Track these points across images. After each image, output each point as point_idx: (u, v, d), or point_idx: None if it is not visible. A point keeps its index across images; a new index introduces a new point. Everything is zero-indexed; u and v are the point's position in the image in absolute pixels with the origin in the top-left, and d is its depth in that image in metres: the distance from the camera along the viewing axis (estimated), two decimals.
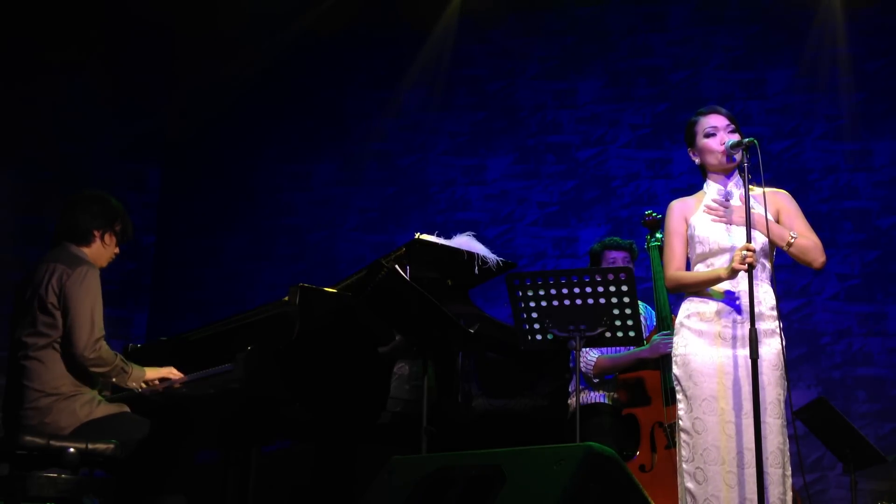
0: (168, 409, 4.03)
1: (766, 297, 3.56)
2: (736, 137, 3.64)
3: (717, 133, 3.67)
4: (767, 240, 3.57)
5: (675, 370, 3.59)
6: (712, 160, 3.69)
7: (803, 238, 3.59)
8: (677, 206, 3.75)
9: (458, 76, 7.53)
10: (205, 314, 6.54)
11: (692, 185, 3.81)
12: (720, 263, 3.60)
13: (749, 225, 3.45)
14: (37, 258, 4.09)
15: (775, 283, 3.64)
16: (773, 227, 3.57)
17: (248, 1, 7.32)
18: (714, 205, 3.56)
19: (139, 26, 7.38)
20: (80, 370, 3.87)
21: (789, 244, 3.57)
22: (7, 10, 6.90)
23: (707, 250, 3.63)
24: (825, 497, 6.24)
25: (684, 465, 3.48)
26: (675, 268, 3.68)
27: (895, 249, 6.58)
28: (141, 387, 3.99)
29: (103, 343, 3.89)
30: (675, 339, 3.64)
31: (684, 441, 3.50)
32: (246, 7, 7.31)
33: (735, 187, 3.71)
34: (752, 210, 3.47)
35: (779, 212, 3.67)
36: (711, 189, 3.73)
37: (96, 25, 7.22)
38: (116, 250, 4.18)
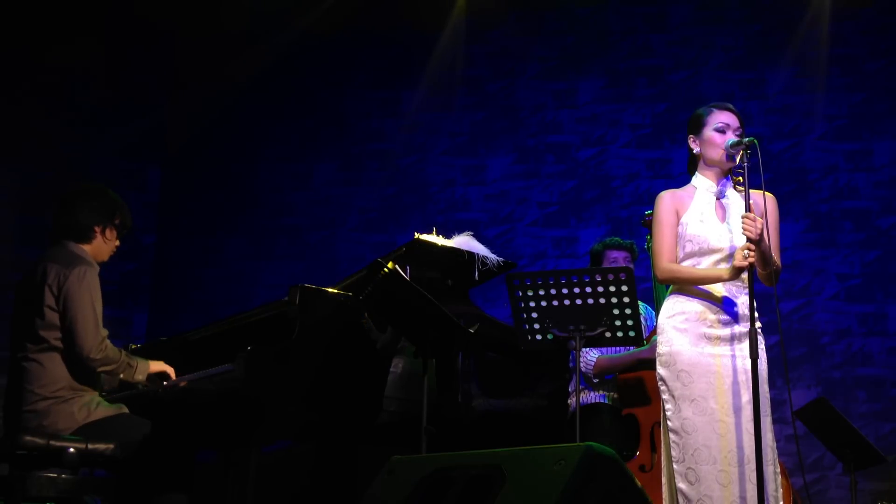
0: (168, 409, 4.03)
1: (745, 297, 3.55)
2: (735, 139, 3.63)
3: (726, 131, 3.65)
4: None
5: (660, 370, 3.57)
6: (713, 155, 3.67)
7: (778, 263, 3.59)
8: (668, 198, 3.72)
9: (458, 76, 7.53)
10: (205, 314, 6.53)
11: None
12: (706, 264, 3.60)
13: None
14: (37, 258, 4.07)
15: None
16: (774, 248, 3.56)
17: (248, 1, 7.32)
18: (750, 216, 3.43)
19: (139, 26, 7.38)
20: (82, 372, 3.86)
21: (776, 270, 3.55)
22: (7, 9, 6.90)
23: (697, 249, 3.61)
24: (825, 497, 6.24)
25: (675, 466, 3.47)
26: (667, 259, 3.66)
27: (895, 249, 6.58)
28: (146, 382, 3.98)
29: (108, 342, 3.89)
30: (659, 338, 3.63)
31: (673, 441, 3.49)
32: (246, 7, 7.31)
33: (726, 186, 3.70)
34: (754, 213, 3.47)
35: (763, 216, 3.64)
36: (701, 184, 3.71)
37: (97, 26, 7.22)
38: (117, 243, 4.13)
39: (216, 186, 7.65)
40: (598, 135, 7.21)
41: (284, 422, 3.87)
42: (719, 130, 3.65)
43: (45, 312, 3.83)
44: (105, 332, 3.90)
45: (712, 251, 3.60)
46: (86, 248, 4.01)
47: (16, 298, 4.00)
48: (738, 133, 3.65)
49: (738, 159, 3.61)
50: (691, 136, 3.74)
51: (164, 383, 4.01)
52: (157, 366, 4.02)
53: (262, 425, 3.78)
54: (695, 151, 3.74)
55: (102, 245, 4.06)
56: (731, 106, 3.73)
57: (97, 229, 4.04)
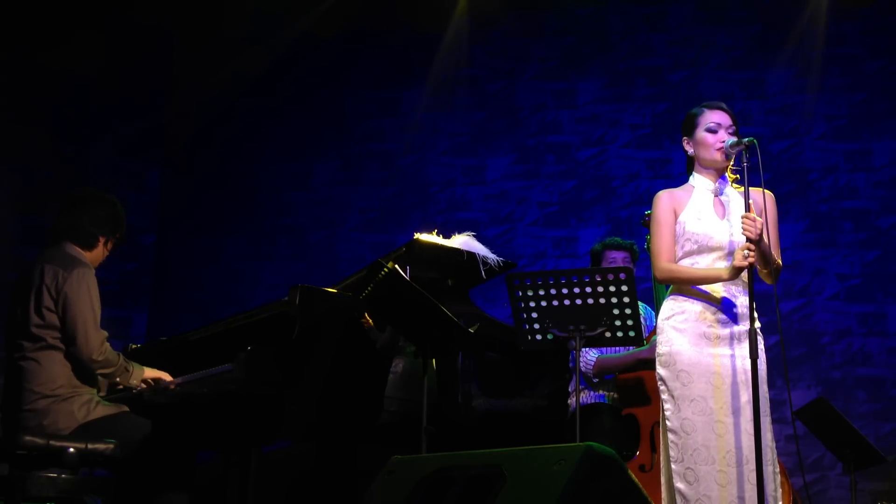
0: (168, 410, 4.03)
1: (745, 297, 3.56)
2: (735, 139, 3.64)
3: (718, 130, 3.65)
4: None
5: (660, 370, 3.57)
6: (706, 156, 3.67)
7: (779, 261, 3.59)
8: (665, 197, 3.72)
9: (458, 76, 7.53)
10: (205, 314, 6.53)
11: None
12: (705, 263, 3.60)
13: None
14: (35, 258, 4.07)
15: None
16: (773, 246, 3.56)
17: (248, 1, 7.32)
18: (750, 216, 3.43)
19: (139, 27, 7.37)
20: (81, 371, 3.86)
21: (776, 268, 3.55)
22: (8, 9, 6.90)
23: (696, 248, 3.61)
24: (825, 497, 6.24)
25: (673, 466, 3.47)
26: (666, 259, 3.66)
27: (895, 249, 6.58)
28: (141, 385, 3.99)
29: (107, 344, 3.90)
30: (659, 338, 3.62)
31: (672, 441, 3.48)
32: (246, 7, 7.31)
33: (724, 185, 3.70)
34: (752, 212, 3.47)
35: (762, 214, 3.63)
36: (699, 183, 3.71)
37: (97, 26, 7.22)
38: (108, 254, 4.19)
39: (216, 186, 7.65)
40: (598, 135, 7.21)
41: (284, 422, 3.88)
42: (711, 130, 3.65)
43: (44, 312, 3.84)
44: (105, 334, 3.91)
45: (711, 249, 3.60)
46: (85, 253, 4.03)
47: (11, 298, 4.01)
48: (730, 131, 3.65)
49: (732, 160, 3.61)
50: (685, 137, 3.74)
51: (157, 385, 4.01)
52: (152, 372, 4.03)
53: (261, 425, 3.79)
54: (689, 153, 3.74)
55: (100, 255, 4.11)
56: (722, 105, 3.72)
57: (101, 238, 4.07)
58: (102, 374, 3.90)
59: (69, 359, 3.85)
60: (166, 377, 4.03)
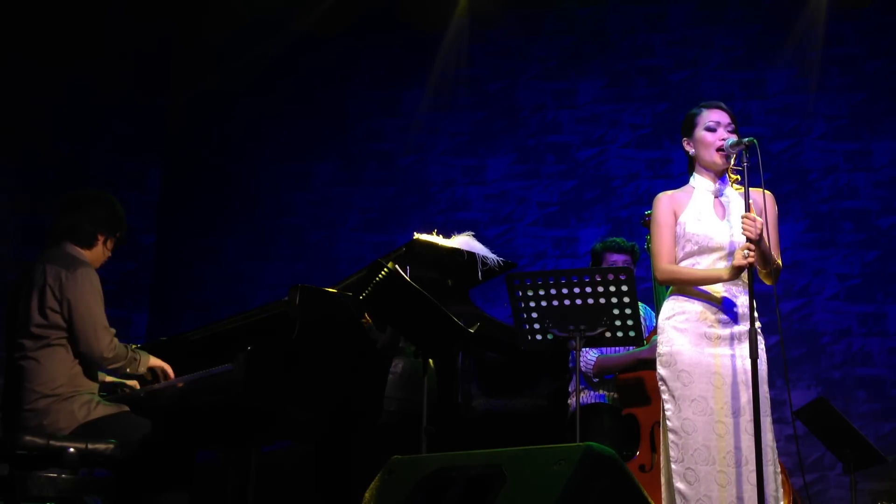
0: (168, 410, 4.03)
1: (745, 297, 3.56)
2: (735, 137, 3.64)
3: (717, 129, 3.65)
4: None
5: (661, 370, 3.57)
6: (706, 155, 3.67)
7: (779, 261, 3.59)
8: (665, 199, 3.73)
9: (458, 76, 7.53)
10: (205, 314, 6.54)
11: None
12: (706, 263, 3.60)
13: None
14: (35, 258, 4.07)
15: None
16: (773, 246, 3.57)
17: (248, 1, 7.32)
18: (750, 216, 3.43)
19: (139, 26, 7.37)
20: (85, 369, 3.87)
21: (776, 269, 3.56)
22: (8, 9, 6.90)
23: (696, 248, 3.62)
24: (825, 497, 6.24)
25: (673, 466, 3.47)
26: (667, 260, 3.67)
27: (895, 249, 6.58)
28: (147, 374, 4.01)
29: (116, 340, 3.91)
30: (660, 338, 3.63)
31: (672, 441, 3.48)
32: (247, 7, 7.31)
33: (724, 185, 3.70)
34: (752, 212, 3.47)
35: (762, 214, 3.63)
36: (699, 184, 3.71)
37: (96, 25, 7.22)
38: (109, 254, 4.20)
39: (216, 186, 7.65)
40: (598, 135, 7.21)
41: (284, 422, 3.88)
42: (710, 129, 3.66)
43: (47, 313, 3.84)
44: (113, 331, 3.92)
45: (712, 249, 3.60)
46: (85, 252, 4.03)
47: (11, 298, 4.01)
48: (730, 129, 3.65)
49: (731, 160, 3.61)
50: (685, 138, 3.75)
51: (156, 385, 4.01)
52: (158, 361, 4.05)
53: (261, 425, 3.79)
54: (690, 153, 3.74)
55: (100, 254, 4.11)
56: (721, 104, 3.73)
57: (100, 238, 4.08)
58: (114, 368, 3.93)
59: (77, 358, 3.85)
60: (171, 370, 4.05)
